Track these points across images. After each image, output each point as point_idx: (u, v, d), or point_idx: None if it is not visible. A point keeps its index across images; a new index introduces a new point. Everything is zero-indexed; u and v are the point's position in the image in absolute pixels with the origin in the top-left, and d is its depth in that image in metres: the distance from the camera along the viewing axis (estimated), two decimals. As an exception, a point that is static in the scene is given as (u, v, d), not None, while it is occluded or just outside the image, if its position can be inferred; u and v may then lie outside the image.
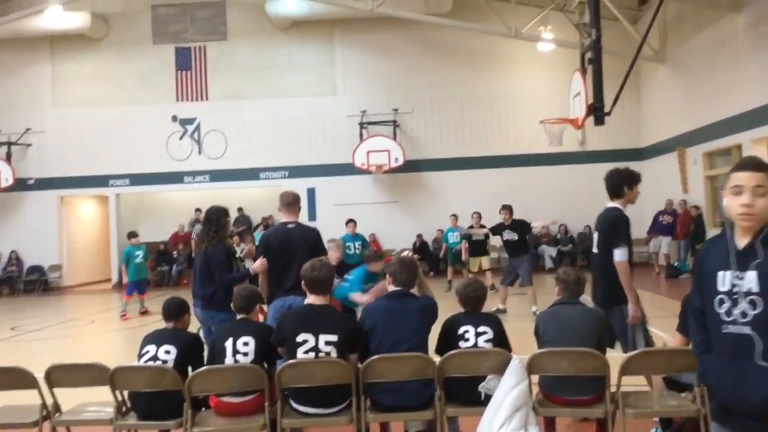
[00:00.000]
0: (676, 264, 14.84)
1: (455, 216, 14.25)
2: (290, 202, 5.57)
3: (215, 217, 5.60)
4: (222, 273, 5.39)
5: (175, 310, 4.53)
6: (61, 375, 4.26)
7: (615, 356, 4.26)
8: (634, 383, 4.37)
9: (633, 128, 18.13)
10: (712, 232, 14.24)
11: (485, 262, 13.30)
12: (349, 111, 18.66)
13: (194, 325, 4.94)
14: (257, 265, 5.36)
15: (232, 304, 4.49)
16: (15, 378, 4.25)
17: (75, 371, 4.32)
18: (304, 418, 4.00)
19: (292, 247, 5.24)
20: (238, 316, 4.40)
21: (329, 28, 18.77)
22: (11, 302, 16.71)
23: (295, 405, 4.00)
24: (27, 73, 19.18)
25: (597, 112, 10.61)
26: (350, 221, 12.47)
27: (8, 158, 18.56)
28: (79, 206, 20.46)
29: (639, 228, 16.73)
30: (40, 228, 18.70)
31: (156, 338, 4.36)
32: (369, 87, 18.87)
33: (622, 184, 5.19)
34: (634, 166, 18.11)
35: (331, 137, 18.83)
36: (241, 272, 5.65)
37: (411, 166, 18.07)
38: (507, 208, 10.99)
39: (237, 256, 7.20)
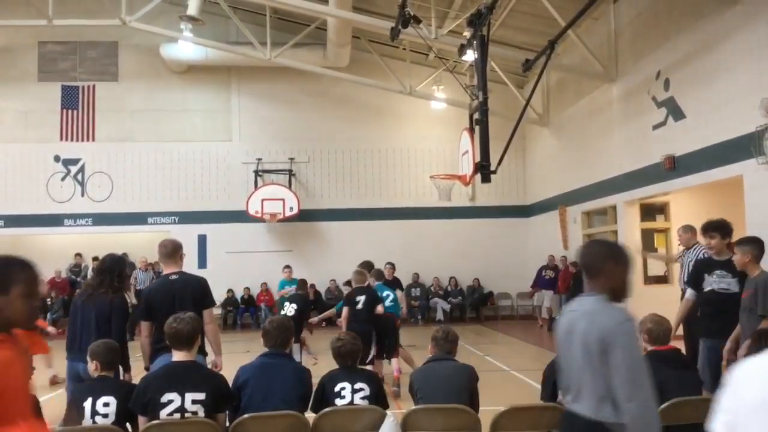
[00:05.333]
0: (556, 317, 15.45)
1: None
2: (170, 252, 5.25)
3: (118, 267, 5.37)
4: (123, 327, 5.18)
5: None
6: None
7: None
8: None
9: (519, 186, 18.99)
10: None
11: None
12: (245, 158, 18.50)
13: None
14: None
15: (95, 361, 4.22)
16: None
17: None
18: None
19: (176, 300, 4.93)
20: (100, 373, 4.16)
21: (226, 74, 18.67)
22: None
23: (159, 468, 3.78)
24: None
25: (483, 170, 11.00)
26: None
27: None
28: (-56, 248, 18.93)
29: (523, 282, 17.46)
30: None
31: None
32: (265, 135, 18.81)
33: None
34: (520, 222, 19.03)
35: (225, 184, 18.55)
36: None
37: (306, 216, 18.03)
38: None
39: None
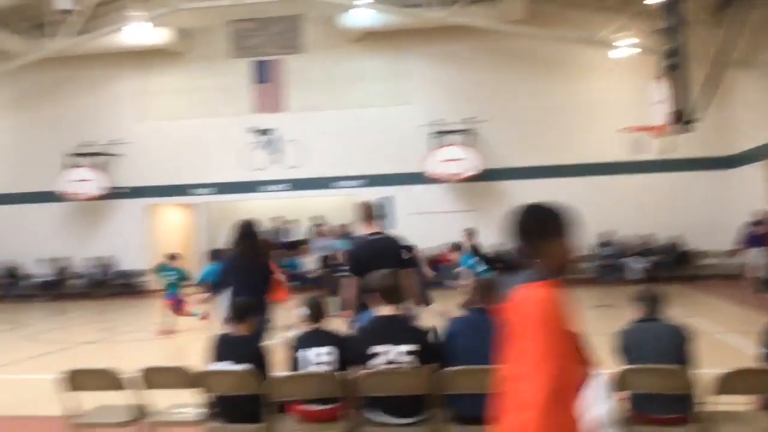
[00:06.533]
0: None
1: None
2: (369, 213, 5.54)
3: (255, 232, 5.84)
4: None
5: (245, 311, 4.57)
6: (152, 377, 4.46)
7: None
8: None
9: (720, 136, 17.33)
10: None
11: None
12: (424, 120, 18.67)
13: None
14: None
15: (306, 314, 4.54)
16: (105, 379, 4.47)
17: (164, 374, 4.52)
18: (383, 427, 4.02)
19: (380, 258, 5.14)
20: (313, 325, 4.44)
21: (402, 38, 18.88)
22: (99, 305, 17.45)
23: (374, 414, 4.03)
24: (116, 87, 20.16)
25: (681, 119, 10.25)
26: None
27: (102, 168, 19.56)
28: (165, 214, 21.29)
29: (726, 239, 16.09)
30: (129, 234, 19.55)
31: (227, 353, 4.33)
32: (443, 96, 18.87)
33: None
34: (720, 174, 17.55)
35: (406, 146, 18.89)
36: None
37: (487, 175, 17.92)
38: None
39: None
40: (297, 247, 18.71)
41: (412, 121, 18.85)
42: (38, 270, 19.88)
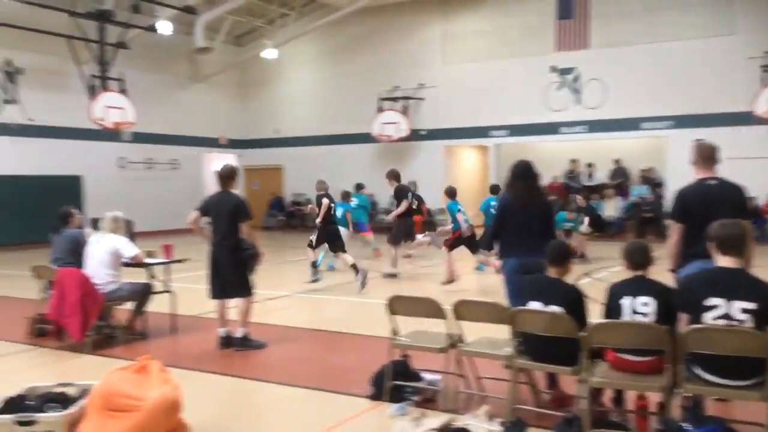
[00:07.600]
0: None
1: None
2: (708, 155, 4.97)
3: (533, 172, 5.63)
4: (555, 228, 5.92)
5: (562, 255, 4.48)
6: (465, 310, 4.67)
7: None
8: None
9: None
10: None
11: None
12: (750, 52, 16.38)
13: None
14: None
15: (628, 261, 4.30)
16: (428, 308, 4.78)
17: (478, 308, 4.70)
18: (709, 386, 3.71)
19: (715, 206, 4.61)
20: (635, 273, 4.20)
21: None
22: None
23: (699, 372, 3.73)
24: (420, 32, 21.09)
25: None
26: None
27: (405, 111, 20.82)
28: (462, 155, 22.03)
29: None
30: (428, 174, 20.61)
31: (538, 293, 4.36)
32: (775, 23, 16.33)
33: None
34: None
35: (726, 83, 16.83)
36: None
37: (828, 115, 15.25)
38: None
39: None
40: (598, 191, 18.12)
41: (734, 53, 16.70)
42: (352, 204, 22.12)
